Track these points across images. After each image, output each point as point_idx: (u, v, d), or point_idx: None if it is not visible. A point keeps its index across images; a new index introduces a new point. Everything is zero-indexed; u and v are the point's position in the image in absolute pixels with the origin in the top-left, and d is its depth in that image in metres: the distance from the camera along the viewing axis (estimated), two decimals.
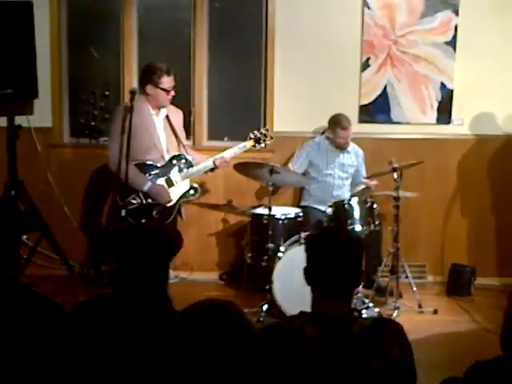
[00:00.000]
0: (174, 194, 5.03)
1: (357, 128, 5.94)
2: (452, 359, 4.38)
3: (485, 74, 6.12)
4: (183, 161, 5.07)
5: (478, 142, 6.22)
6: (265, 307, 5.09)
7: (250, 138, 5.31)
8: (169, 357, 1.50)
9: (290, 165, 5.94)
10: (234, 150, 5.28)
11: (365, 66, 6.11)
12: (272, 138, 5.38)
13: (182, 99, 6.27)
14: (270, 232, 5.21)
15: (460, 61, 6.12)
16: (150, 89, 4.95)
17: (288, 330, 2.19)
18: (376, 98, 6.15)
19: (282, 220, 5.41)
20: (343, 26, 6.10)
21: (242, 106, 6.37)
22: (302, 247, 4.84)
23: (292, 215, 5.48)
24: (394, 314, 5.20)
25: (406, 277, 5.61)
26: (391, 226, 5.44)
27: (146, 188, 4.92)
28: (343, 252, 2.25)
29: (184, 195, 5.09)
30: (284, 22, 6.09)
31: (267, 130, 5.38)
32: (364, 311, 5.12)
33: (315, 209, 5.83)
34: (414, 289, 5.51)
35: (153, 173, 4.99)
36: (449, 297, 5.93)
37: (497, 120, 6.19)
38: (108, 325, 2.24)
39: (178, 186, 5.04)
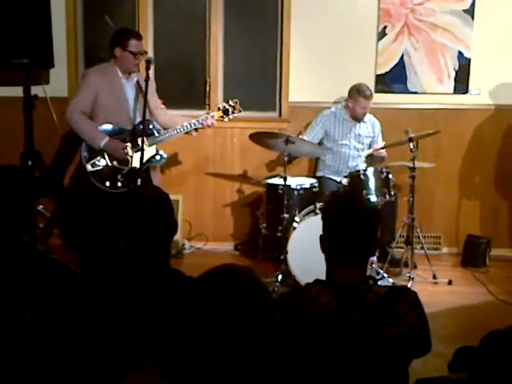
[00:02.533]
0: (138, 158, 4.92)
1: (373, 98, 5.88)
2: (467, 330, 4.39)
3: (503, 43, 6.04)
4: (150, 126, 5.03)
5: (495, 113, 6.16)
6: (279, 277, 5.11)
7: (219, 109, 5.29)
8: (187, 323, 1.51)
9: (304, 135, 5.91)
10: (213, 115, 5.24)
11: (381, 34, 6.05)
12: (240, 111, 5.33)
13: (198, 70, 6.28)
14: (285, 202, 5.21)
15: (478, 29, 6.04)
16: (117, 51, 4.95)
17: (303, 298, 2.20)
18: (392, 68, 6.10)
19: (298, 190, 5.40)
20: None
21: (257, 76, 6.33)
22: (317, 217, 4.95)
23: (307, 185, 5.47)
24: (409, 285, 5.19)
25: (421, 248, 5.61)
26: (407, 197, 5.42)
27: (102, 144, 4.89)
28: (360, 218, 2.25)
29: (149, 160, 5.04)
30: None
31: (236, 103, 5.32)
32: (379, 282, 5.13)
33: (330, 179, 5.82)
34: (429, 260, 5.51)
35: (119, 137, 4.97)
36: (463, 268, 5.92)
37: None
38: (123, 293, 2.25)
39: (143, 151, 4.86)
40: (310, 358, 2.14)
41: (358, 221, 2.23)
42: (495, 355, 1.77)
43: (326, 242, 2.28)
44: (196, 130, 5.20)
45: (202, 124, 5.16)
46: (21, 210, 2.52)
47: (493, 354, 1.85)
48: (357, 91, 5.68)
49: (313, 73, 6.12)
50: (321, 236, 2.29)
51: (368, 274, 4.89)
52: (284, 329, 2.11)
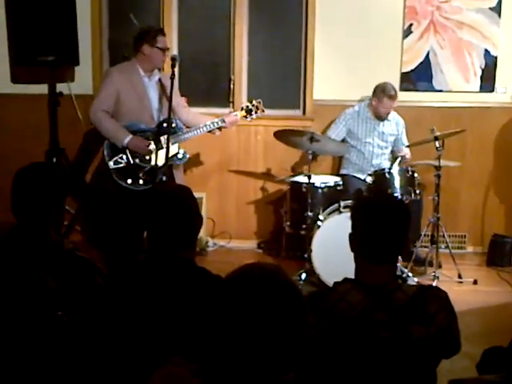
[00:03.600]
0: (162, 157, 4.90)
1: (399, 96, 5.83)
2: (492, 329, 4.36)
3: None
4: (173, 124, 5.01)
5: None
6: (303, 276, 5.09)
7: (242, 109, 5.30)
8: (216, 321, 1.50)
9: (327, 133, 5.89)
10: (237, 114, 5.26)
11: (407, 32, 6.01)
12: (263, 111, 5.33)
13: (222, 67, 6.27)
14: (309, 200, 5.19)
15: (505, 27, 5.98)
16: (146, 49, 4.95)
17: (332, 297, 2.19)
18: (418, 66, 6.06)
19: (322, 188, 5.38)
20: None
21: (281, 74, 6.30)
22: (342, 216, 4.94)
23: (331, 183, 5.44)
24: (434, 284, 5.16)
25: (446, 247, 5.57)
26: (432, 196, 5.38)
27: (126, 141, 4.89)
28: (392, 217, 2.24)
29: (172, 159, 5.02)
30: None
31: (259, 103, 5.31)
32: (400, 281, 5.08)
33: (355, 177, 5.80)
34: (454, 259, 5.46)
35: (142, 135, 4.97)
36: (489, 267, 5.87)
37: None
38: (151, 290, 2.25)
39: (166, 150, 4.86)
40: (339, 357, 2.13)
41: (389, 219, 2.22)
42: None
43: (356, 240, 2.26)
44: (219, 128, 5.20)
45: (224, 123, 5.17)
46: (51, 208, 2.53)
47: None
48: (381, 90, 5.65)
49: (337, 70, 6.10)
50: (350, 234, 2.28)
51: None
52: (313, 328, 2.10)
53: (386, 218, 2.22)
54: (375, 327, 2.11)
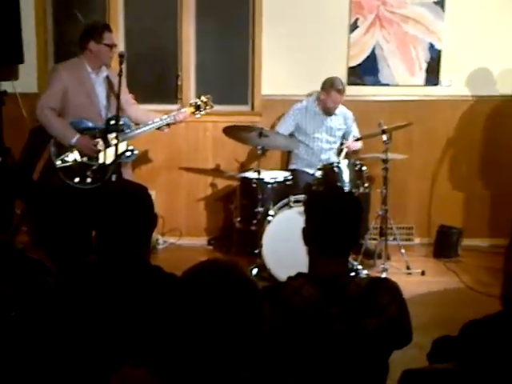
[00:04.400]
0: (110, 154, 4.89)
1: (346, 90, 5.88)
2: (441, 319, 4.43)
3: (473, 35, 6.09)
4: (121, 122, 4.95)
5: (466, 104, 6.21)
6: (254, 271, 5.11)
7: (191, 105, 5.30)
8: (172, 320, 1.49)
9: (276, 128, 5.91)
10: (185, 111, 5.26)
11: (353, 27, 6.06)
12: (212, 107, 5.34)
13: (170, 63, 6.24)
14: (259, 196, 5.21)
15: (449, 21, 6.08)
16: (92, 45, 4.89)
17: (286, 292, 2.20)
18: (364, 60, 6.11)
19: (271, 183, 5.40)
20: None
21: (229, 69, 6.30)
22: (292, 210, 4.96)
23: (281, 179, 5.47)
24: (383, 276, 5.23)
25: (394, 239, 5.65)
26: (380, 189, 5.45)
27: (73, 141, 4.83)
28: (345, 208, 2.26)
29: (120, 157, 4.97)
30: None
31: (208, 99, 5.32)
32: (353, 274, 5.15)
33: (304, 172, 5.83)
34: (402, 251, 5.55)
35: (89, 133, 4.92)
36: (436, 258, 5.98)
37: (485, 81, 6.17)
38: (105, 290, 2.22)
39: (114, 147, 4.84)
40: (294, 351, 2.14)
41: (343, 212, 2.24)
42: (477, 344, 1.79)
43: (310, 234, 2.27)
44: (168, 125, 5.17)
45: (173, 119, 5.15)
46: None
47: (474, 343, 1.87)
48: (330, 84, 5.69)
49: (285, 66, 6.12)
50: (303, 228, 2.29)
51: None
52: (268, 323, 2.11)
53: (340, 211, 2.24)
54: (329, 320, 2.13)
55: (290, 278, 2.25)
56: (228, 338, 1.46)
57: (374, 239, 5.72)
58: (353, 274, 2.32)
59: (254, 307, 1.50)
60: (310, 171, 5.71)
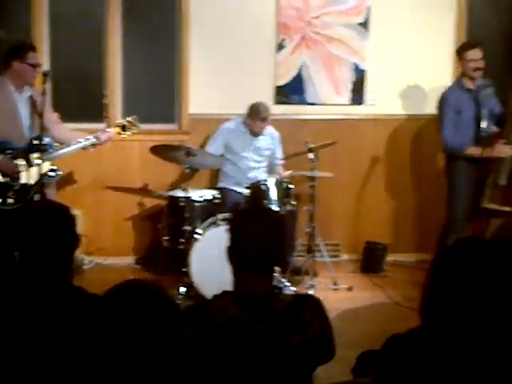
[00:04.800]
0: (33, 174, 4.83)
1: (273, 109, 5.93)
2: (367, 334, 4.48)
3: (396, 55, 6.26)
4: (44, 142, 4.87)
5: (389, 123, 6.37)
6: (182, 290, 5.08)
7: (117, 126, 5.30)
8: (92, 341, 1.47)
9: (206, 148, 5.92)
10: (110, 131, 5.26)
11: (280, 47, 6.14)
12: (138, 128, 5.36)
13: (96, 82, 6.17)
14: (187, 214, 5.20)
15: (372, 42, 6.23)
16: (16, 65, 4.81)
17: (211, 310, 2.20)
18: (291, 80, 6.20)
19: (199, 202, 5.39)
20: (258, 7, 6.10)
21: (157, 88, 6.28)
22: (219, 228, 4.95)
23: (209, 197, 5.47)
24: (310, 293, 5.28)
25: (322, 256, 5.71)
26: (306, 206, 5.52)
27: None
28: (267, 227, 2.27)
29: (43, 177, 4.90)
30: (198, 3, 6.04)
31: (134, 119, 5.33)
32: (277, 291, 5.17)
33: (232, 190, 5.84)
34: (329, 267, 5.62)
35: (12, 153, 4.81)
36: (363, 274, 6.07)
37: (408, 100, 6.34)
38: (24, 312, 2.17)
39: (38, 167, 4.81)
40: (219, 369, 2.13)
41: (265, 231, 2.25)
42: (397, 358, 1.82)
43: (233, 252, 2.28)
44: (93, 145, 5.12)
45: (98, 140, 5.10)
46: None
47: (395, 356, 1.90)
48: (254, 113, 5.74)
49: (213, 85, 6.14)
50: (228, 247, 2.30)
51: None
52: (192, 342, 2.10)
53: (262, 230, 2.25)
54: (253, 337, 2.14)
55: (215, 296, 2.25)
56: (149, 357, 1.45)
57: (302, 256, 5.77)
58: (277, 290, 2.30)
59: (173, 327, 1.50)
60: (238, 189, 5.73)
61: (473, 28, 6.33)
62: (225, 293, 2.25)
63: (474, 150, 5.33)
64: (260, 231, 2.25)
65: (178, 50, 6.13)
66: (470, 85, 5.47)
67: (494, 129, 5.40)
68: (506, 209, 5.27)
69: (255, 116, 5.73)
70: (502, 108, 5.51)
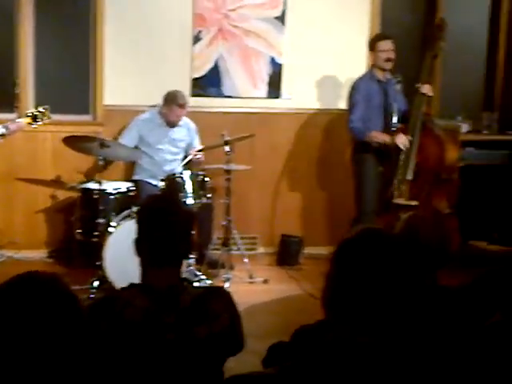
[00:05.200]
0: None
1: (189, 102, 5.88)
2: (281, 326, 4.49)
3: (312, 50, 6.30)
4: None
5: (305, 117, 6.41)
6: (96, 283, 5.00)
7: (27, 115, 5.18)
8: None
9: (119, 139, 5.84)
10: (21, 121, 5.14)
11: (196, 39, 6.09)
12: (50, 118, 5.24)
13: (6, 71, 5.98)
14: (101, 207, 5.10)
15: (289, 36, 6.25)
16: None
17: (118, 303, 2.16)
18: (208, 72, 6.16)
19: (114, 194, 5.30)
20: None
21: (71, 78, 6.12)
22: (133, 222, 4.84)
23: (123, 189, 5.39)
24: (226, 285, 5.28)
25: (238, 249, 5.72)
26: (222, 199, 5.51)
27: None
28: (174, 220, 2.25)
29: None
30: None
31: (46, 109, 5.23)
32: (196, 284, 5.17)
33: (147, 183, 5.78)
34: (246, 260, 5.64)
35: None
36: (279, 266, 6.11)
37: (324, 95, 6.41)
38: None
39: None
40: (128, 362, 2.10)
41: (171, 223, 2.23)
42: (304, 349, 1.83)
43: (141, 244, 2.25)
44: (3, 135, 4.97)
45: (7, 130, 4.96)
46: None
47: (302, 347, 1.92)
48: (171, 99, 5.69)
49: (128, 76, 6.04)
50: (136, 239, 2.27)
51: (186, 276, 4.94)
52: (101, 335, 2.07)
53: (167, 222, 2.23)
54: (162, 330, 2.12)
55: (122, 288, 2.22)
56: (45, 349, 1.41)
57: (218, 249, 5.76)
58: (186, 283, 2.28)
59: (71, 318, 1.46)
60: (154, 182, 5.67)
61: (386, 25, 6.45)
62: (132, 285, 2.22)
63: (377, 134, 5.48)
64: (163, 224, 2.23)
65: (93, 39, 5.99)
66: (380, 76, 5.64)
67: (400, 125, 5.53)
68: (414, 203, 5.43)
69: (172, 102, 5.67)
70: (407, 105, 5.66)
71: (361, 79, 5.66)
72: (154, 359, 2.11)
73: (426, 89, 5.44)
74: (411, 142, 5.35)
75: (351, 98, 5.62)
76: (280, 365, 1.75)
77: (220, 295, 2.26)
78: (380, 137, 5.48)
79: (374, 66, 5.69)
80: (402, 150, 5.30)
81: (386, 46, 5.56)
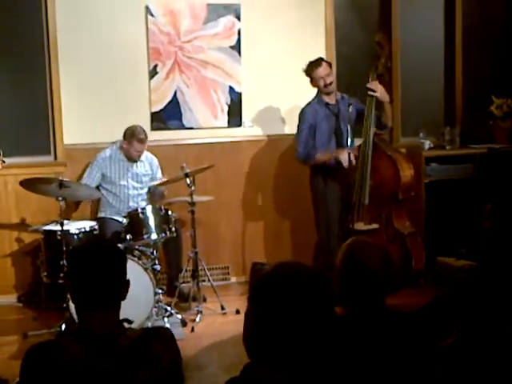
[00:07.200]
0: None
1: (150, 136, 5.86)
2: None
3: (268, 77, 6.32)
4: None
5: (268, 143, 6.42)
6: (63, 327, 4.88)
7: None
8: None
9: (82, 179, 5.81)
10: None
11: (153, 73, 6.08)
12: (4, 162, 5.13)
13: None
14: (65, 248, 5.04)
15: (245, 64, 6.27)
16: None
17: (54, 351, 2.11)
18: (167, 105, 6.15)
19: (77, 234, 5.25)
20: (129, 34, 6.03)
21: (29, 120, 6.00)
22: None
23: (87, 228, 5.33)
24: (197, 319, 5.24)
25: (209, 280, 5.68)
26: (189, 231, 5.48)
27: None
28: (101, 262, 2.19)
29: None
30: (66, 35, 5.90)
31: None
32: (166, 319, 5.12)
33: (112, 220, 5.73)
34: (217, 291, 5.59)
35: None
36: None
37: (286, 120, 6.42)
38: None
39: None
40: None
41: (98, 266, 2.17)
42: None
43: (73, 289, 2.20)
44: None
45: None
46: None
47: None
48: (131, 135, 5.67)
49: (87, 113, 6.02)
50: (67, 284, 2.23)
51: (155, 312, 4.88)
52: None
53: (94, 266, 2.17)
54: (100, 377, 2.06)
55: (59, 335, 2.18)
56: None
57: (188, 282, 5.71)
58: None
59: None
60: (119, 219, 5.62)
61: (341, 44, 6.50)
62: (68, 331, 2.18)
63: (320, 155, 5.50)
64: (92, 267, 2.17)
65: (48, 79, 5.93)
66: (328, 99, 5.61)
67: (355, 146, 5.52)
68: (375, 226, 5.42)
69: (132, 138, 5.65)
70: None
71: (308, 105, 5.63)
72: None
73: (374, 85, 5.43)
74: (362, 163, 5.36)
75: (298, 126, 5.64)
76: None
77: (160, 335, 2.21)
78: (322, 157, 5.49)
79: (319, 91, 5.65)
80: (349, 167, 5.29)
81: (323, 71, 5.52)
